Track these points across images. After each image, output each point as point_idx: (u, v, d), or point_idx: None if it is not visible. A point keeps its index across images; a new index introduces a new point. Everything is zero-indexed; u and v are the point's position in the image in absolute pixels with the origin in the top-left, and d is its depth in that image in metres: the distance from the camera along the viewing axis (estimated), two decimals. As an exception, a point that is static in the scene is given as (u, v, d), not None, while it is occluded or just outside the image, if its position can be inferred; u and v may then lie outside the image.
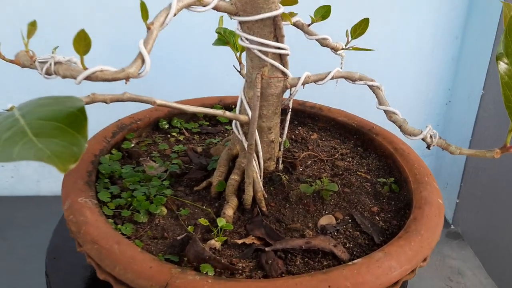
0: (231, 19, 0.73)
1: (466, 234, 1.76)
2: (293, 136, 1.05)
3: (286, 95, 0.84)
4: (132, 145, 0.97)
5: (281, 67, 0.77)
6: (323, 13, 0.85)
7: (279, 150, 0.89)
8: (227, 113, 0.76)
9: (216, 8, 0.70)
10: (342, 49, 0.87)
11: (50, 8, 1.45)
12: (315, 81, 0.80)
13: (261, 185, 0.82)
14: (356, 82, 0.82)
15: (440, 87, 1.83)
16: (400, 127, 0.79)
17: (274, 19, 0.72)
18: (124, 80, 0.58)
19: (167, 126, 1.06)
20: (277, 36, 0.74)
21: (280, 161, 0.90)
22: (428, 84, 1.82)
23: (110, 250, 0.63)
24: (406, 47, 1.72)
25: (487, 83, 1.60)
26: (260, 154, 0.82)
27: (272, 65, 0.76)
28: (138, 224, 0.75)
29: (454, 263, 1.63)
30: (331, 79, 0.80)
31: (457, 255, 1.67)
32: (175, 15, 0.64)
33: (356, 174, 0.92)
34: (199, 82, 1.64)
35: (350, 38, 0.88)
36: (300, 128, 1.10)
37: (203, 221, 0.72)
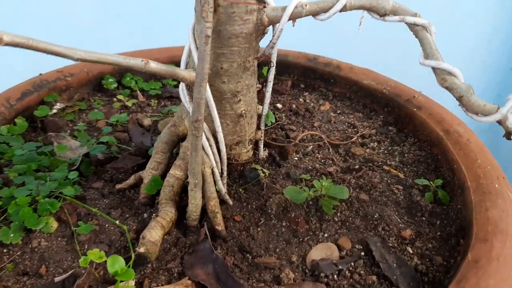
0: None
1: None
2: (293, 106, 0.72)
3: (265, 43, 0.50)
4: (53, 111, 0.67)
5: (251, -15, 0.43)
6: None
7: (258, 129, 0.56)
8: (153, 64, 0.43)
9: None
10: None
11: None
12: (312, 14, 0.46)
13: (222, 186, 0.51)
14: (386, 19, 0.47)
15: (505, 50, 1.42)
16: (459, 98, 0.45)
17: None
18: None
19: (115, 85, 0.74)
20: None
21: (261, 146, 0.58)
22: (489, 45, 1.41)
23: None
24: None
25: None
26: (220, 135, 0.49)
27: (235, -18, 0.43)
28: (4, 246, 0.46)
29: None
30: (341, 11, 0.46)
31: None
32: None
33: (382, 169, 0.59)
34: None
35: None
36: (306, 94, 0.77)
37: (94, 255, 0.41)
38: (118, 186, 0.53)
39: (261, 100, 0.55)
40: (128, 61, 0.42)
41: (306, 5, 0.45)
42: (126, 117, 0.66)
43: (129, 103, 0.71)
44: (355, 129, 0.67)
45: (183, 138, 0.53)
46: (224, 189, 0.51)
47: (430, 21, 0.46)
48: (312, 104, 0.73)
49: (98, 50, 0.41)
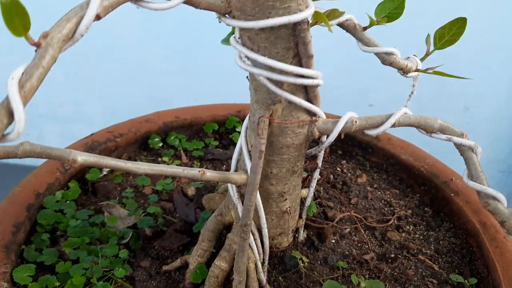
0: (219, 21, 0.42)
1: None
2: (331, 177, 0.73)
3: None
4: (103, 174, 0.70)
5: (305, 104, 0.45)
6: (392, 9, 0.51)
7: (300, 217, 0.58)
8: (208, 173, 0.46)
9: (191, 4, 0.39)
10: (417, 70, 0.54)
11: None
12: (361, 129, 0.48)
13: (263, 277, 0.53)
14: (433, 136, 0.49)
15: None
16: (502, 223, 0.46)
17: (294, 27, 0.40)
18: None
19: (160, 144, 0.78)
20: (300, 55, 0.42)
21: (301, 231, 0.60)
22: None
23: None
24: (503, 39, 1.27)
25: None
26: (265, 230, 0.52)
27: (290, 101, 0.45)
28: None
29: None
30: (392, 127, 0.48)
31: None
32: (99, 18, 0.34)
33: (417, 258, 0.60)
34: (213, 83, 1.31)
35: (432, 47, 0.55)
36: (344, 162, 0.78)
37: None
38: (164, 268, 0.56)
39: (303, 183, 0.58)
40: (187, 172, 0.45)
41: (356, 121, 0.47)
42: (171, 186, 0.69)
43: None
44: (391, 208, 0.69)
45: (228, 226, 0.55)
46: (265, 279, 0.54)
47: (476, 143, 0.48)
48: (349, 174, 0.75)
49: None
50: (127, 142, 0.75)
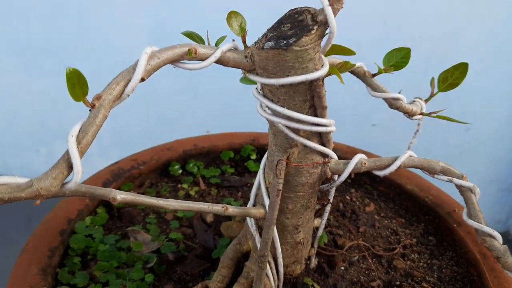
0: (244, 77, 0.47)
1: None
2: (341, 205, 0.78)
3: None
4: (128, 200, 0.75)
5: (319, 147, 0.50)
6: (399, 59, 0.56)
7: (312, 247, 0.63)
8: (231, 209, 0.51)
9: (221, 63, 0.44)
10: (421, 114, 0.59)
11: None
12: (371, 170, 0.53)
13: (277, 303, 0.58)
14: (436, 177, 0.53)
15: None
16: (497, 258, 0.51)
17: (311, 83, 0.45)
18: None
19: (180, 171, 0.83)
20: (316, 106, 0.47)
21: (313, 259, 0.64)
22: None
23: None
24: (504, 60, 1.31)
25: None
26: (280, 260, 0.57)
27: (306, 145, 0.50)
28: None
29: None
30: (398, 168, 0.52)
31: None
32: (143, 80, 0.39)
33: (422, 286, 0.64)
34: (230, 113, 1.38)
35: (436, 89, 0.60)
36: (353, 190, 0.83)
37: None
38: (186, 292, 0.60)
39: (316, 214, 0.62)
40: (212, 208, 0.50)
41: (365, 163, 0.52)
42: (191, 213, 0.74)
43: (192, 192, 0.79)
44: (397, 237, 0.73)
45: (246, 254, 0.60)
46: (278, 306, 0.58)
47: (475, 184, 0.52)
48: (358, 203, 0.79)
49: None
50: (149, 169, 0.80)
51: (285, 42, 0.42)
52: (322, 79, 0.45)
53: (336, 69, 0.48)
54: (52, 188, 0.35)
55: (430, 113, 0.59)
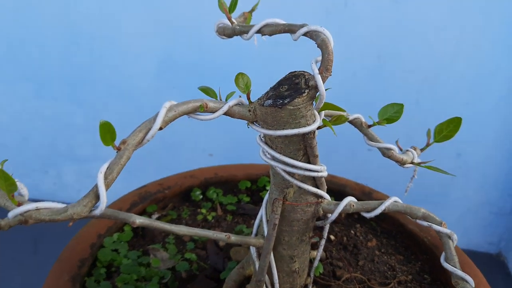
0: (248, 127, 0.55)
1: None
2: (344, 239, 0.84)
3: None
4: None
5: (312, 189, 0.58)
6: (392, 113, 0.63)
7: (308, 276, 0.70)
8: (233, 238, 0.59)
9: (229, 115, 0.53)
10: (412, 163, 0.65)
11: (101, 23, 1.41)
12: (359, 211, 0.59)
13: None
14: (417, 221, 0.59)
15: None
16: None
17: (304, 135, 0.53)
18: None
19: (200, 197, 0.92)
20: (308, 155, 0.55)
21: (310, 286, 0.71)
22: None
23: None
24: (492, 90, 1.39)
25: None
26: (276, 285, 0.64)
27: (300, 187, 0.57)
28: None
29: None
30: (382, 212, 0.59)
31: None
32: (161, 128, 0.48)
33: (410, 320, 0.70)
34: (232, 139, 1.47)
35: (431, 140, 0.67)
36: (358, 226, 0.89)
37: None
38: (194, 308, 0.68)
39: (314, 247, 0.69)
40: (216, 236, 0.58)
41: (354, 205, 0.59)
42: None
43: (209, 217, 0.87)
44: (394, 272, 0.78)
45: (248, 278, 0.68)
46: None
47: (453, 231, 0.58)
48: (361, 238, 0.85)
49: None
50: (173, 194, 0.89)
51: (281, 101, 0.50)
52: (313, 132, 0.53)
53: (328, 122, 0.56)
54: (82, 214, 0.44)
55: (420, 163, 0.65)
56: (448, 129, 0.66)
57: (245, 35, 0.57)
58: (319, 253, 0.68)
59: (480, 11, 1.23)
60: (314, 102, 0.53)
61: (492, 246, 1.63)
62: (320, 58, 0.50)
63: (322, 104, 0.52)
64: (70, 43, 1.39)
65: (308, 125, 0.52)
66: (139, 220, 0.54)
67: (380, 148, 0.64)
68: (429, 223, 0.58)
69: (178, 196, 0.91)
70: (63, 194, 1.73)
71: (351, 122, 0.64)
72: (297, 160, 0.55)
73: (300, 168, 0.55)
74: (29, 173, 1.71)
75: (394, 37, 1.27)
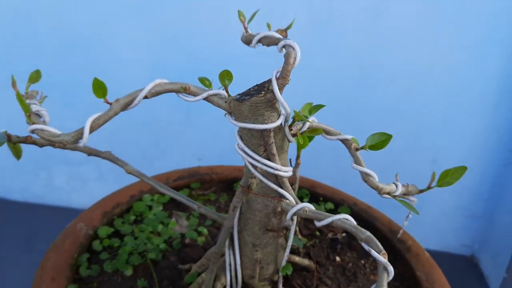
0: (225, 116, 0.65)
1: None
2: (349, 265, 0.85)
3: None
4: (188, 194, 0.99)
5: (272, 185, 0.64)
6: (379, 141, 0.66)
7: (276, 273, 0.75)
8: (202, 209, 0.69)
9: (208, 101, 0.64)
10: (388, 194, 0.66)
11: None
12: (311, 218, 0.63)
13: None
14: (361, 243, 0.60)
15: (499, 147, 1.51)
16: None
17: (262, 133, 0.60)
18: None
19: (241, 190, 1.02)
20: (268, 152, 0.62)
21: (280, 285, 0.76)
22: (487, 142, 1.51)
23: None
24: (467, 99, 1.44)
25: None
26: (237, 258, 0.71)
27: (261, 180, 0.64)
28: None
29: None
30: (329, 225, 0.62)
31: None
32: (147, 97, 0.62)
33: None
34: (220, 143, 1.53)
35: (434, 183, 0.68)
36: (371, 259, 0.88)
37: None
38: (179, 266, 0.80)
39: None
40: (188, 202, 0.69)
41: (307, 211, 0.63)
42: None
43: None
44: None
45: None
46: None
47: (388, 262, 0.57)
48: (367, 270, 0.85)
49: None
50: (219, 180, 1.02)
51: (243, 98, 0.59)
52: (269, 131, 0.60)
53: (299, 115, 0.62)
54: (69, 142, 0.60)
55: (395, 196, 0.65)
56: (452, 176, 0.67)
57: (251, 44, 0.67)
58: (286, 252, 0.72)
59: (453, 24, 1.31)
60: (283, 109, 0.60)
61: (466, 248, 1.69)
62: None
63: (275, 101, 0.59)
64: (64, 48, 1.43)
65: (266, 123, 0.59)
66: (129, 168, 0.69)
67: (361, 172, 0.66)
68: (369, 247, 0.59)
69: (223, 184, 1.03)
70: (54, 197, 1.76)
71: (342, 141, 0.68)
72: (258, 154, 0.62)
73: (258, 162, 0.62)
74: (20, 176, 1.73)
75: (376, 49, 1.36)
